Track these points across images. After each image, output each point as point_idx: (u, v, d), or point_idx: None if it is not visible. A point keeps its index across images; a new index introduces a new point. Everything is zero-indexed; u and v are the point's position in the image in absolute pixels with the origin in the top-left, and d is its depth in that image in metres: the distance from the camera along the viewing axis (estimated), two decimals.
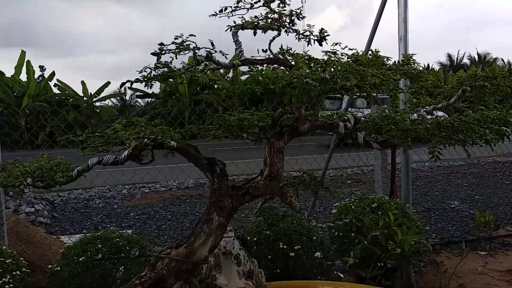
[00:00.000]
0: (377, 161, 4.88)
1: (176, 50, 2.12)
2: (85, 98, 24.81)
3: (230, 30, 2.38)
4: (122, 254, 3.17)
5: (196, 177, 9.37)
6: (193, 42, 2.16)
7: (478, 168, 10.46)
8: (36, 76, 24.22)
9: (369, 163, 7.57)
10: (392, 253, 3.34)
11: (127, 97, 29.71)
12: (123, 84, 2.19)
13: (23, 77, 23.40)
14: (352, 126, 2.52)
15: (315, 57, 2.09)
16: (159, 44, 2.10)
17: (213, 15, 2.43)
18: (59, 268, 3.06)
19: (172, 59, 2.13)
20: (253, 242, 3.46)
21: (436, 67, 35.73)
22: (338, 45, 2.17)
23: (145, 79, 2.14)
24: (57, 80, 24.69)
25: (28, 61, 23.21)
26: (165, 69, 2.22)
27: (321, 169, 5.02)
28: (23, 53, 23.50)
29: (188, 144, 2.25)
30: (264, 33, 2.37)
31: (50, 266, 3.21)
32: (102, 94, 25.29)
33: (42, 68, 25.62)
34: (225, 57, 2.25)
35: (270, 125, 2.67)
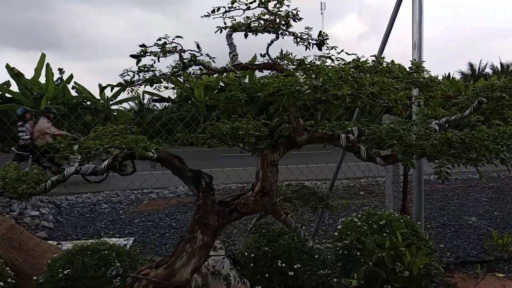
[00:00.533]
0: (388, 174, 4.62)
1: (159, 53, 1.94)
2: (102, 101, 25.04)
3: (220, 32, 2.19)
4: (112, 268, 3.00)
5: None
6: (178, 44, 1.98)
7: (498, 182, 10.02)
8: (55, 79, 24.58)
9: (380, 175, 7.29)
10: (400, 275, 3.09)
11: (145, 101, 29.89)
12: (103, 88, 2.02)
13: (42, 79, 23.79)
14: (356, 138, 2.31)
15: (306, 62, 1.88)
16: (140, 46, 1.93)
17: (206, 16, 2.25)
18: (43, 281, 2.91)
19: (154, 62, 1.96)
20: (250, 259, 3.25)
21: (457, 77, 34.99)
22: (334, 49, 1.96)
23: (126, 84, 1.96)
24: (75, 82, 25.02)
25: (48, 64, 23.55)
26: (151, 73, 2.04)
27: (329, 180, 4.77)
28: (43, 56, 23.90)
29: (171, 155, 2.07)
30: (255, 35, 2.17)
31: (35, 278, 3.06)
32: (119, 98, 25.52)
33: (61, 70, 26.04)
34: (213, 60, 2.06)
35: (266, 135, 2.48)
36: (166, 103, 28.15)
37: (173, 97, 26.67)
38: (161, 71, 2.05)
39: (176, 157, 2.10)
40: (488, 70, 37.91)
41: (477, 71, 37.74)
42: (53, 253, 4.07)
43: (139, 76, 2.00)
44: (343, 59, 1.94)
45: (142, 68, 2.01)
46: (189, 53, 2.00)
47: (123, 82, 2.01)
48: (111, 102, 25.58)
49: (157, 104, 29.78)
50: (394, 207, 4.40)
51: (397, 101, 1.68)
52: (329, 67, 1.81)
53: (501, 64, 37.53)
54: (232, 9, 2.25)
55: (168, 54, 1.96)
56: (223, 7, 2.23)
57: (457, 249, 5.28)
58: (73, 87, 25.07)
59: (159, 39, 1.95)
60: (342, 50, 1.95)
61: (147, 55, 1.95)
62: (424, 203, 4.53)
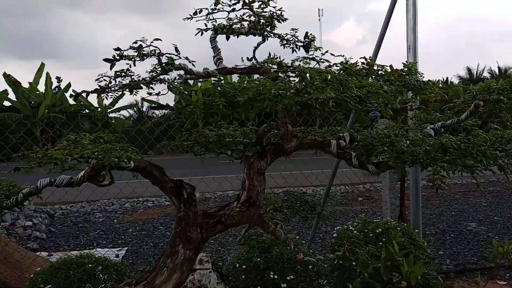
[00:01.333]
0: (384, 180, 4.50)
1: (135, 57, 1.83)
2: (100, 109, 24.98)
3: (201, 35, 2.09)
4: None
5: (202, 190, 9.03)
6: (156, 47, 1.88)
7: (498, 186, 9.90)
8: (53, 87, 24.54)
9: (377, 180, 7.17)
10: (397, 286, 2.97)
11: (144, 108, 29.73)
12: (78, 94, 1.92)
13: (41, 88, 23.77)
14: (348, 144, 2.20)
15: (288, 64, 1.78)
16: (115, 49, 1.83)
17: (188, 18, 2.15)
18: None
19: (130, 66, 1.85)
20: (241, 270, 3.13)
21: (455, 81, 34.94)
22: (319, 50, 1.86)
23: (102, 89, 1.86)
24: (73, 90, 24.95)
25: (47, 73, 23.54)
26: (129, 78, 1.94)
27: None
28: (42, 65, 23.91)
29: (151, 165, 1.96)
30: (238, 37, 2.07)
31: None
32: (117, 105, 25.42)
33: (58, 79, 26.00)
34: (193, 64, 1.96)
35: (254, 142, 2.37)
36: (165, 110, 28.01)
37: (171, 104, 26.55)
38: (139, 76, 1.94)
39: (156, 167, 1.98)
40: (486, 74, 37.78)
41: (475, 75, 37.62)
42: (40, 265, 3.94)
43: (115, 81, 1.89)
44: (328, 61, 1.83)
45: (119, 73, 1.90)
46: (167, 56, 1.89)
47: (98, 88, 1.91)
48: (109, 110, 25.49)
49: (156, 111, 29.63)
50: (391, 214, 4.28)
51: (386, 105, 1.58)
52: (313, 68, 1.70)
53: (499, 68, 37.43)
54: (216, 11, 2.15)
55: (145, 58, 1.86)
56: (206, 8, 2.13)
57: (457, 255, 5.15)
58: (70, 95, 24.99)
59: (135, 42, 1.85)
60: (326, 51, 1.85)
61: (123, 59, 1.85)
62: (423, 208, 4.41)
